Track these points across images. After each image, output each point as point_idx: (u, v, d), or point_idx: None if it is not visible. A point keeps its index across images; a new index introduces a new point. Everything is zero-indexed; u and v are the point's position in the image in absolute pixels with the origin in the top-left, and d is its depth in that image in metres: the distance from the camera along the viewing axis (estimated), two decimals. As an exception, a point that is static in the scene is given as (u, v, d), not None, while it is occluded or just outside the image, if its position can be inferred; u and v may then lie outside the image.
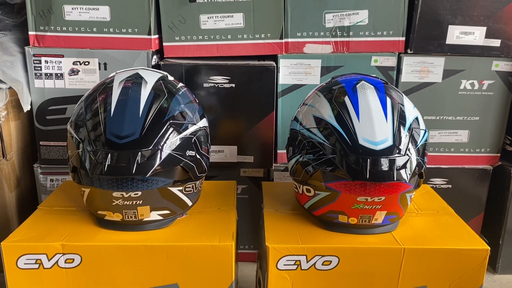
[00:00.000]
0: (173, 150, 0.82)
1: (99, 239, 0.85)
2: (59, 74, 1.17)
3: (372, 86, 0.89)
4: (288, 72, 1.21)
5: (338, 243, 0.86)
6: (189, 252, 0.84)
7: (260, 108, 1.21)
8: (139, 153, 0.79)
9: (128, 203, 0.84)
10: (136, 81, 0.88)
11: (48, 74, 1.17)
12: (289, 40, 1.20)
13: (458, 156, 1.30)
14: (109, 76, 0.93)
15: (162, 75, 0.94)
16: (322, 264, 0.86)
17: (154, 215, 0.88)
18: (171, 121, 0.84)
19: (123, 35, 1.16)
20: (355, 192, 0.83)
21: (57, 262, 0.83)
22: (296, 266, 0.86)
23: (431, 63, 1.22)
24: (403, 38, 1.20)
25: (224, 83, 1.18)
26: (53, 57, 1.16)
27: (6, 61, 1.12)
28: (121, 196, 0.83)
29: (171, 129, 0.83)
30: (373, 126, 0.82)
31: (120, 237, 0.86)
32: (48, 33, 1.16)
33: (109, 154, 0.78)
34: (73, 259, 0.83)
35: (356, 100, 0.86)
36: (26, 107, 1.16)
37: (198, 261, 0.84)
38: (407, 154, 0.82)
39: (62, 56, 1.16)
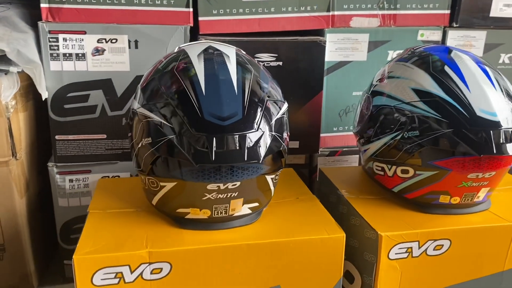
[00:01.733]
0: (275, 132, 0.71)
1: (189, 242, 0.71)
2: (80, 55, 0.99)
3: (467, 56, 0.83)
4: (334, 48, 1.12)
5: (450, 225, 0.79)
6: (296, 248, 0.73)
7: (309, 88, 1.11)
8: (247, 136, 0.66)
9: (221, 196, 0.71)
10: (217, 54, 0.75)
11: (67, 55, 0.99)
12: (335, 13, 1.11)
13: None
14: (175, 50, 0.79)
15: (235, 48, 0.81)
16: (434, 249, 0.79)
17: (245, 209, 0.76)
18: (267, 98, 0.72)
19: (157, 7, 1.00)
20: (468, 168, 0.77)
21: (141, 274, 0.69)
22: (408, 254, 0.78)
23: (474, 37, 1.19)
24: (448, 11, 1.16)
25: (271, 61, 1.07)
26: (74, 33, 0.98)
27: (20, 39, 0.92)
28: (216, 188, 0.70)
29: (270, 108, 0.72)
30: (487, 96, 0.76)
31: (211, 237, 0.73)
32: (66, 5, 0.97)
33: (214, 139, 0.65)
34: (161, 269, 0.69)
35: (458, 69, 0.80)
36: (45, 94, 0.97)
37: (305, 257, 0.74)
38: (522, 126, 0.77)
39: (84, 32, 0.98)
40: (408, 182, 0.84)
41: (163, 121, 0.68)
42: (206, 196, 0.71)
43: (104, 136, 1.05)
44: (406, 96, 0.81)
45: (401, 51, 1.17)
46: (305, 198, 0.88)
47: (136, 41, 1.01)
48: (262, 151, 0.67)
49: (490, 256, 0.82)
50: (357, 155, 1.21)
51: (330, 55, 1.13)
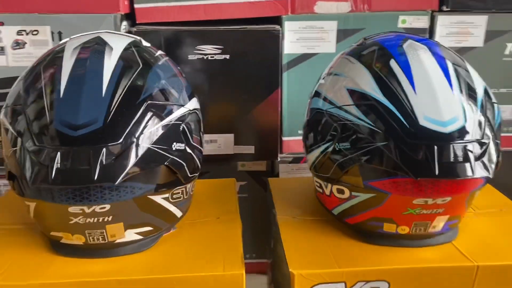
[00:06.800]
0: (153, 144, 0.57)
1: (52, 273, 0.59)
2: (-1, 48, 0.90)
3: (425, 47, 0.65)
4: (295, 38, 0.96)
5: (387, 263, 0.62)
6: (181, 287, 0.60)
7: (262, 85, 0.96)
8: (104, 149, 0.53)
9: (91, 220, 0.59)
10: (97, 48, 0.62)
11: (-15, 48, 0.90)
12: (296, -4, 0.95)
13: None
14: (61, 42, 0.68)
15: (133, 39, 0.68)
16: (367, 293, 0.63)
17: (131, 235, 0.63)
18: (148, 101, 0.58)
19: (81, -6, 0.89)
20: (412, 193, 0.60)
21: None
22: (331, 297, 0.62)
23: (471, 23, 0.98)
24: (437, -8, 0.97)
25: (216, 54, 0.93)
26: (-10, 25, 0.89)
27: None
28: (81, 212, 0.57)
29: (149, 114, 0.58)
30: (437, 99, 0.58)
31: (84, 267, 0.61)
32: (-19, -6, 0.88)
33: (59, 153, 0.52)
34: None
35: (406, 65, 0.62)
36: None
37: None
38: (486, 138, 0.58)
39: (2, 23, 0.89)
40: (345, 204, 0.68)
41: (12, 130, 0.56)
42: (73, 220, 0.59)
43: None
44: (339, 98, 0.65)
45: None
46: (227, 218, 0.74)
47: (60, 33, 0.90)
48: (124, 168, 0.54)
49: (445, 304, 0.64)
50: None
51: (291, 47, 0.97)
